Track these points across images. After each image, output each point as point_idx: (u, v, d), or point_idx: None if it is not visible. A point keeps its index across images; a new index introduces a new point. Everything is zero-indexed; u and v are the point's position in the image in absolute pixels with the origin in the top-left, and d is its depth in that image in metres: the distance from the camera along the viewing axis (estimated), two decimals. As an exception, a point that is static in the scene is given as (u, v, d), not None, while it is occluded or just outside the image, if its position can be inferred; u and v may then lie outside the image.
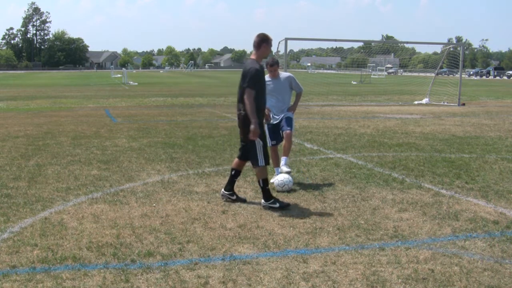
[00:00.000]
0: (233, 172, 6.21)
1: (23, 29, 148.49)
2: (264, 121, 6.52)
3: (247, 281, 3.97)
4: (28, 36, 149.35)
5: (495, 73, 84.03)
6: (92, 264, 4.26)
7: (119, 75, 58.52)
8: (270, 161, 7.53)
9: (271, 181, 6.84)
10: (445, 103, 22.71)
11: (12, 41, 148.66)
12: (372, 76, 65.42)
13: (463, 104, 22.00)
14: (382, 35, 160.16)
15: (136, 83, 43.57)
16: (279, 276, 4.06)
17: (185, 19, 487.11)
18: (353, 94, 29.55)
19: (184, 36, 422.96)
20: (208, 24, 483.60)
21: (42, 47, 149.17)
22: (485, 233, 5.12)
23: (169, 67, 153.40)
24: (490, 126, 14.15)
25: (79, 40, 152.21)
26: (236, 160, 6.28)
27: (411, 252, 4.59)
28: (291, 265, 4.26)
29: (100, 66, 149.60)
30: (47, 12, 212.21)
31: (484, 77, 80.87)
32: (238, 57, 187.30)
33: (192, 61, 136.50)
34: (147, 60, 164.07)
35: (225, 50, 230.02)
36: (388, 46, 47.80)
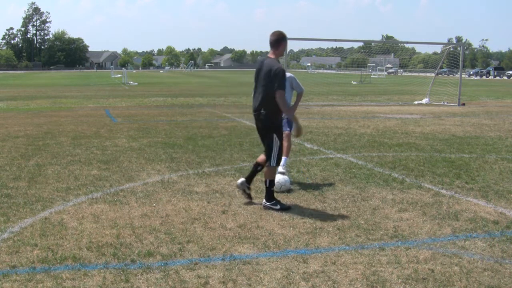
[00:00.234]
0: (259, 168, 6.13)
1: (23, 29, 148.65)
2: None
3: (247, 281, 3.97)
4: (28, 36, 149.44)
5: (495, 73, 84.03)
6: (92, 264, 4.26)
7: (119, 75, 58.52)
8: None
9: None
10: (445, 103, 22.71)
11: (12, 41, 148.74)
12: (372, 76, 65.42)
13: (463, 104, 22.00)
14: (382, 35, 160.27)
15: (136, 83, 43.57)
16: (279, 276, 4.06)
17: (185, 19, 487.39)
18: (353, 94, 29.55)
19: (184, 36, 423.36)
20: (208, 24, 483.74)
21: (42, 47, 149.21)
22: (485, 233, 5.12)
23: (169, 67, 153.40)
24: (490, 126, 14.15)
25: (79, 40, 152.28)
26: (262, 156, 6.19)
27: (411, 252, 4.59)
28: (291, 265, 4.26)
29: (100, 66, 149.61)
30: (47, 12, 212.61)
31: (484, 77, 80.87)
32: (238, 57, 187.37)
33: (192, 61, 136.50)
34: (147, 60, 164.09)
35: (225, 50, 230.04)
36: (388, 46, 47.84)
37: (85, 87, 36.99)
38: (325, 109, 19.41)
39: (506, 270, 4.21)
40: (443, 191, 6.76)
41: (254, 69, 6.15)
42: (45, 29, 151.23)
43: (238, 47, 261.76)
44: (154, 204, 6.02)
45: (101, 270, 4.13)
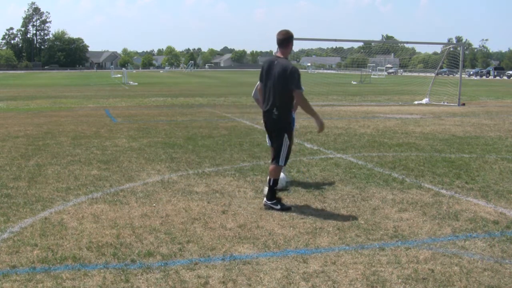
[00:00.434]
0: (270, 183, 5.98)
1: (23, 29, 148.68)
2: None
3: (247, 281, 3.97)
4: (28, 36, 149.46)
5: (495, 73, 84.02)
6: (92, 264, 4.26)
7: (119, 75, 58.51)
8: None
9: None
10: (445, 103, 22.70)
11: (12, 41, 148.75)
12: (372, 76, 65.40)
13: (463, 104, 21.99)
14: (382, 35, 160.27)
15: (136, 83, 43.57)
16: (279, 276, 4.06)
17: (185, 19, 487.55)
18: (353, 94, 29.54)
19: (184, 36, 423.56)
20: (208, 24, 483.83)
21: (42, 47, 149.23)
22: (485, 233, 5.12)
23: (169, 67, 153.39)
24: (490, 126, 14.15)
25: (79, 40, 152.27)
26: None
27: (411, 252, 4.59)
28: (291, 265, 4.26)
29: (100, 66, 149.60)
30: (47, 12, 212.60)
31: (484, 77, 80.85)
32: (238, 57, 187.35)
33: (192, 61, 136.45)
34: (147, 60, 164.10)
35: (225, 50, 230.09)
36: (388, 46, 47.83)
37: (85, 87, 36.99)
38: (325, 109, 19.40)
39: (506, 270, 4.21)
40: (443, 191, 6.76)
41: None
42: (45, 29, 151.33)
43: (238, 47, 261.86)
44: (154, 204, 6.02)
45: (101, 270, 4.13)
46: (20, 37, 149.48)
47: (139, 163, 8.39)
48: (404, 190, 6.76)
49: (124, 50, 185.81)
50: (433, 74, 28.42)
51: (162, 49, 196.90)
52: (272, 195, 5.89)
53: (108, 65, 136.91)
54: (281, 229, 5.17)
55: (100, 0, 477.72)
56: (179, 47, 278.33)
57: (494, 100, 26.47)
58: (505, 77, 78.53)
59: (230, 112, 17.88)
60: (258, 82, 7.49)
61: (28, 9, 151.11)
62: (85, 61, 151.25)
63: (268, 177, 6.03)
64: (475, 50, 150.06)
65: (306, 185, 6.99)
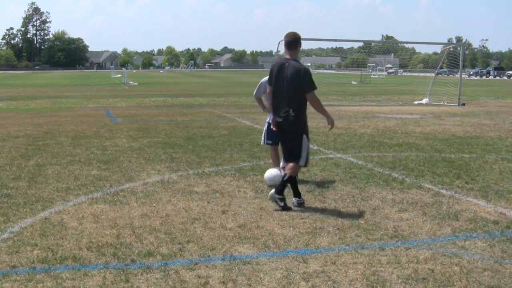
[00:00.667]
0: (285, 178, 5.99)
1: (23, 29, 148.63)
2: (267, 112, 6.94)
3: (247, 281, 3.97)
4: (28, 36, 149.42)
5: (495, 73, 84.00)
6: (92, 264, 4.26)
7: (119, 75, 58.51)
8: (270, 160, 7.53)
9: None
10: (445, 103, 22.70)
11: (12, 41, 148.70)
12: (372, 76, 65.39)
13: (463, 104, 21.99)
14: (382, 35, 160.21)
15: (136, 83, 43.58)
16: (279, 276, 4.06)
17: (185, 19, 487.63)
18: (353, 94, 29.55)
19: (184, 36, 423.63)
20: (208, 24, 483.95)
21: (42, 47, 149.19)
22: (485, 233, 5.12)
23: (169, 67, 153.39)
24: (490, 126, 14.15)
25: (79, 40, 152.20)
26: (289, 165, 6.08)
27: (411, 252, 4.59)
28: (291, 265, 4.26)
29: (100, 66, 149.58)
30: (47, 12, 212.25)
31: (484, 77, 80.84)
32: (238, 57, 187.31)
33: (192, 61, 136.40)
34: (147, 60, 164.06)
35: (225, 50, 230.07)
36: (388, 46, 47.81)
37: (85, 87, 37.00)
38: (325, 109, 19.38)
39: (506, 270, 4.21)
40: (443, 191, 6.76)
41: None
42: (45, 29, 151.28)
43: (238, 47, 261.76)
44: (154, 204, 6.02)
45: (101, 270, 4.13)
46: (20, 37, 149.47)
47: (139, 163, 8.39)
48: (404, 190, 6.76)
49: (124, 50, 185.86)
50: (433, 74, 28.42)
51: (162, 49, 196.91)
52: (281, 190, 5.88)
53: (108, 65, 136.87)
54: (281, 229, 5.17)
55: (100, 0, 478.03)
56: (179, 47, 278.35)
57: (494, 100, 26.48)
58: (505, 77, 78.53)
59: (230, 112, 17.88)
60: (260, 82, 7.51)
61: (28, 9, 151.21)
62: (85, 61, 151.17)
63: (284, 172, 6.02)
64: (475, 50, 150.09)
65: (306, 185, 6.98)
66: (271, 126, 6.28)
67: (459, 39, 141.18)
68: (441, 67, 27.96)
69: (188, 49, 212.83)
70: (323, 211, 5.83)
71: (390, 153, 9.65)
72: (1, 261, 4.30)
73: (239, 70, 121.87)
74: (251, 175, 7.55)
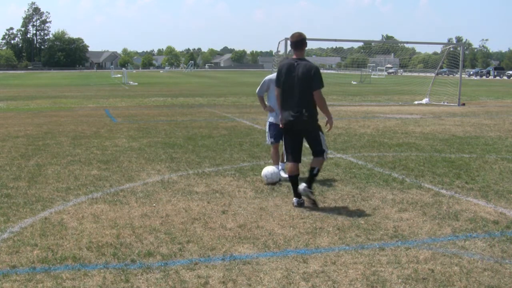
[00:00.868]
0: (314, 171, 6.06)
1: (23, 29, 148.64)
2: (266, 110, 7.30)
3: (247, 281, 3.97)
4: (28, 36, 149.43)
5: (495, 73, 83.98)
6: (92, 264, 4.26)
7: (119, 75, 58.51)
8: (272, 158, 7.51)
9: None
10: (445, 103, 22.70)
11: (12, 41, 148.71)
12: (372, 76, 65.38)
13: (463, 104, 21.99)
14: (382, 35, 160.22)
15: (136, 83, 43.58)
16: (279, 276, 4.06)
17: (185, 19, 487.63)
18: (353, 94, 29.54)
19: (184, 36, 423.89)
20: (208, 24, 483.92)
21: (42, 47, 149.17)
22: (485, 233, 5.12)
23: (169, 67, 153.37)
24: (490, 126, 14.15)
25: (79, 40, 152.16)
26: (294, 165, 6.12)
27: (411, 252, 4.59)
28: (291, 265, 4.26)
29: (100, 66, 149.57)
30: (47, 12, 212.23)
31: (484, 77, 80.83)
32: (238, 57, 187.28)
33: (192, 61, 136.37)
34: (147, 60, 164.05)
35: (225, 50, 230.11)
36: (388, 46, 47.69)
37: (85, 87, 37.00)
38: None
39: (506, 270, 4.21)
40: (443, 191, 6.76)
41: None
42: (45, 29, 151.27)
43: (238, 47, 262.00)
44: (154, 204, 6.02)
45: (101, 270, 4.13)
46: (20, 37, 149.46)
47: (139, 163, 8.39)
48: (404, 190, 6.76)
49: (124, 50, 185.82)
50: (433, 74, 28.41)
51: (162, 49, 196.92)
52: (312, 183, 6.02)
53: (108, 65, 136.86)
54: (281, 229, 5.17)
55: (100, 0, 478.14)
56: (179, 47, 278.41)
57: (494, 100, 26.48)
58: (505, 77, 78.51)
59: (230, 112, 17.88)
60: (264, 80, 7.52)
61: (28, 9, 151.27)
62: (85, 61, 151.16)
63: (312, 166, 6.07)
64: (475, 50, 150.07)
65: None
66: (280, 125, 6.26)
67: (459, 39, 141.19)
68: (441, 67, 27.96)
69: (188, 49, 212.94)
70: (323, 211, 5.83)
71: (390, 153, 9.65)
72: (1, 261, 4.30)
73: (239, 70, 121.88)
74: (251, 175, 7.55)
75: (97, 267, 4.20)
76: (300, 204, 5.97)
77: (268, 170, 7.05)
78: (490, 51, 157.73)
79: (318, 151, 6.09)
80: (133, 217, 5.53)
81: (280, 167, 7.45)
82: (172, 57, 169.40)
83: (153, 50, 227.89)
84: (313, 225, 5.31)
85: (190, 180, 7.26)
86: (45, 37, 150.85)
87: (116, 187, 6.83)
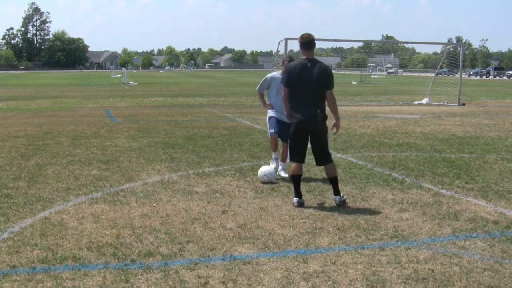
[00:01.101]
0: (335, 180, 6.10)
1: (23, 29, 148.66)
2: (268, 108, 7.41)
3: (247, 281, 3.97)
4: (28, 36, 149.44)
5: (495, 73, 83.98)
6: (92, 264, 4.26)
7: (119, 75, 58.51)
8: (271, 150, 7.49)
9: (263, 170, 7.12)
10: (445, 103, 22.70)
11: (12, 41, 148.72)
12: (372, 76, 65.38)
13: (463, 104, 21.99)
14: (382, 35, 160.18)
15: (136, 83, 43.58)
16: (279, 276, 4.06)
17: (185, 19, 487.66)
18: (353, 94, 29.54)
19: (184, 36, 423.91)
20: (208, 24, 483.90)
21: (42, 47, 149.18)
22: (485, 233, 5.12)
23: (169, 67, 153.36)
24: (490, 126, 14.15)
25: (79, 40, 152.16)
26: (298, 165, 6.13)
27: (411, 252, 4.59)
28: (291, 265, 4.26)
29: (100, 66, 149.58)
30: (47, 12, 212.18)
31: (484, 77, 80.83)
32: (238, 57, 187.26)
33: (192, 61, 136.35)
34: (147, 60, 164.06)
35: (225, 50, 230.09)
36: (388, 46, 47.64)
37: (85, 87, 36.99)
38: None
39: (506, 270, 4.21)
40: (443, 191, 6.75)
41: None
42: (45, 29, 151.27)
43: (238, 47, 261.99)
44: (154, 204, 6.03)
45: (101, 270, 4.13)
46: (20, 37, 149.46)
47: (139, 163, 8.39)
48: (404, 190, 6.76)
49: (124, 50, 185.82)
50: (433, 74, 28.41)
51: (162, 49, 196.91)
52: (338, 189, 6.08)
53: (108, 65, 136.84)
54: (281, 229, 5.17)
55: (100, 0, 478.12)
56: (179, 47, 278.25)
57: (494, 100, 26.48)
58: (505, 77, 78.50)
59: (230, 112, 17.88)
60: (265, 77, 7.52)
61: (28, 9, 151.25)
62: (85, 61, 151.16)
63: (330, 176, 6.09)
64: (475, 50, 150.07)
65: (306, 185, 6.98)
66: (288, 121, 6.27)
67: (459, 39, 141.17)
68: (441, 67, 27.96)
69: (188, 49, 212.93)
70: (323, 211, 5.83)
71: (390, 153, 9.65)
72: (1, 261, 4.30)
73: (239, 70, 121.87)
74: (251, 175, 7.55)
75: (97, 267, 4.20)
76: (300, 204, 5.97)
77: (265, 169, 7.09)
78: (490, 51, 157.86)
79: (322, 157, 6.07)
80: (133, 217, 5.53)
81: (280, 167, 7.47)
82: (172, 57, 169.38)
83: (153, 50, 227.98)
84: (313, 225, 5.31)
85: (190, 180, 7.26)
86: (45, 37, 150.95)
87: (116, 187, 6.83)
